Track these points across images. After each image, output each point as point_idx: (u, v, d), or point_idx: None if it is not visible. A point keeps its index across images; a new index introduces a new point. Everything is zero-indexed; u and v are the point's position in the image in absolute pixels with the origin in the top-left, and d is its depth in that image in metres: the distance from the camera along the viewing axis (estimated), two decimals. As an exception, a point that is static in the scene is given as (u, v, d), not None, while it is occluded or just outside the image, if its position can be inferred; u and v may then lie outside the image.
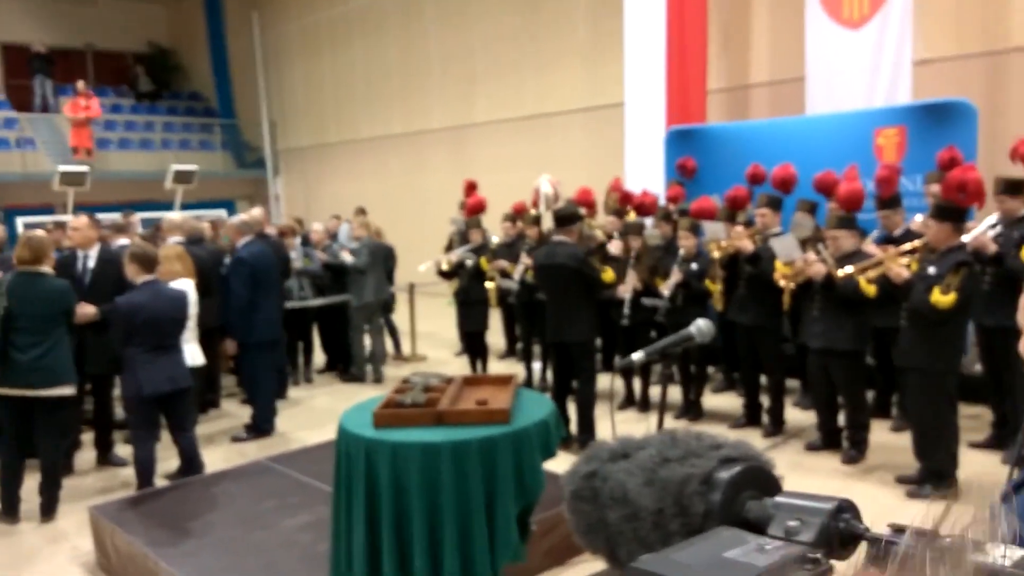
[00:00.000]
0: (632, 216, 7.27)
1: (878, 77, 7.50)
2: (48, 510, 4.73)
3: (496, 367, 7.95)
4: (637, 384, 6.60)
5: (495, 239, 7.76)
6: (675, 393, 6.38)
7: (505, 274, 7.13)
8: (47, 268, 4.71)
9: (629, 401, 6.62)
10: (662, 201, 7.63)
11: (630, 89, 9.34)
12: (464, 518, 2.83)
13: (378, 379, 7.78)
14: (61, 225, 7.59)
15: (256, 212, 7.21)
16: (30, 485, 4.79)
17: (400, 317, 8.97)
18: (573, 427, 5.63)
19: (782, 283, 5.33)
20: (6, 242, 6.97)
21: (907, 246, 5.00)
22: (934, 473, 4.56)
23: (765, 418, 5.90)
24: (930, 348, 4.43)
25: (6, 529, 4.63)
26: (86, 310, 5.10)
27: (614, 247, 6.15)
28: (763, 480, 0.75)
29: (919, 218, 5.44)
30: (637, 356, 2.15)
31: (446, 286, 8.11)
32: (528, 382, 7.18)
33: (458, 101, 13.52)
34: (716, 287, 6.00)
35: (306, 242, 8.16)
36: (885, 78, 7.46)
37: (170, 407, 4.82)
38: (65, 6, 17.76)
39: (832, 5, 7.78)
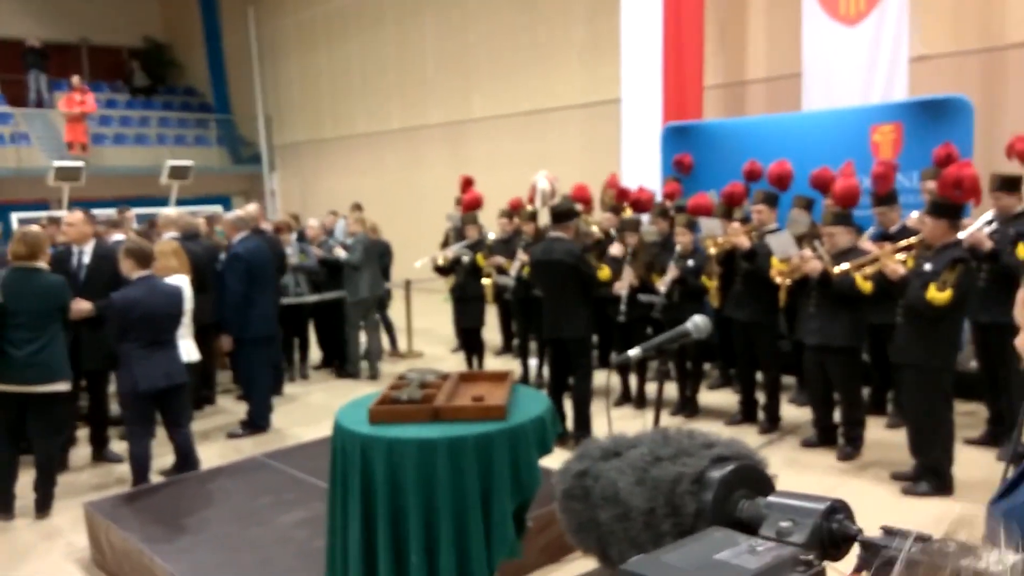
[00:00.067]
0: (629, 212, 7.26)
1: (875, 73, 7.50)
2: (43, 506, 4.72)
3: (492, 363, 7.94)
4: (633, 380, 6.60)
5: (492, 235, 7.75)
6: (671, 389, 6.38)
7: (501, 270, 7.12)
8: (43, 264, 4.69)
9: (625, 397, 6.62)
10: (659, 197, 7.63)
11: (627, 85, 9.33)
12: (460, 514, 2.83)
13: (374, 375, 7.78)
14: (56, 221, 7.57)
15: (252, 208, 7.19)
16: (25, 481, 4.78)
17: (396, 313, 8.96)
18: (569, 423, 5.64)
19: (778, 280, 5.34)
20: (0, 238, 6.95)
21: (903, 243, 5.01)
22: (929, 469, 4.57)
23: (761, 414, 5.90)
24: (926, 345, 4.44)
25: (1, 525, 4.62)
26: (81, 306, 5.09)
27: (615, 249, 6.14)
28: (756, 479, 0.74)
29: (915, 215, 5.45)
30: (633, 352, 2.15)
31: (442, 282, 8.11)
32: (524, 378, 7.18)
33: (455, 97, 13.50)
34: (712, 283, 6.01)
35: (302, 238, 8.15)
36: (882, 74, 7.46)
37: (166, 403, 4.81)
38: (60, 0, 17.68)
39: (829, 1, 7.78)
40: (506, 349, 8.70)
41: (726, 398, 6.63)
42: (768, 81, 9.38)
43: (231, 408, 6.99)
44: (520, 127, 12.41)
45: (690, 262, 5.99)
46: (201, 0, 18.03)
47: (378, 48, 14.80)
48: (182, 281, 5.29)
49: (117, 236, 6.62)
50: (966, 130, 6.23)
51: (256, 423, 6.26)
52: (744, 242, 5.62)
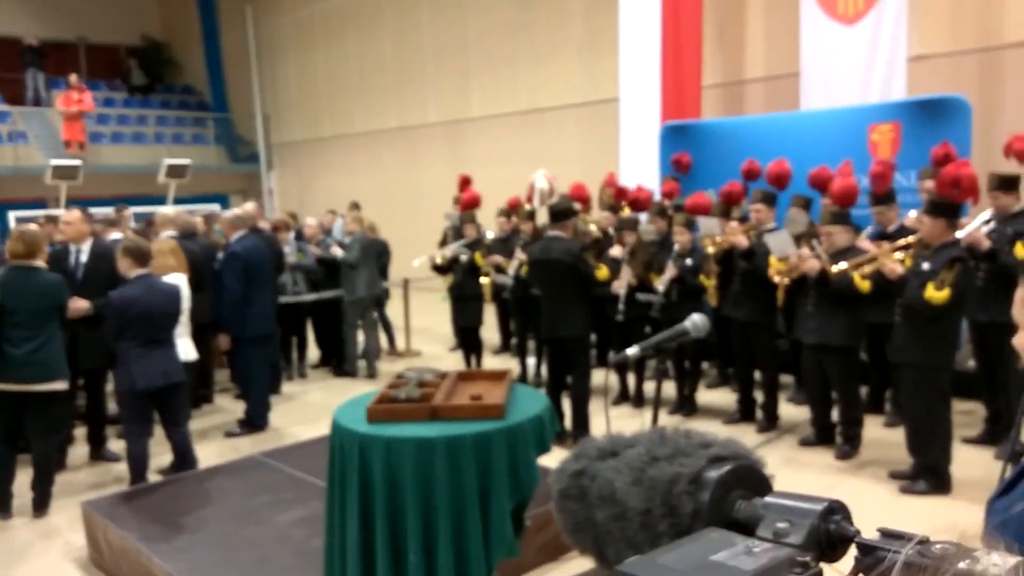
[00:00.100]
0: (627, 211, 7.26)
1: (873, 73, 7.50)
2: (41, 505, 4.71)
3: (491, 362, 7.94)
4: (632, 379, 6.60)
5: (490, 234, 7.75)
6: (669, 389, 6.38)
7: (500, 269, 7.12)
8: (41, 263, 4.69)
9: (624, 396, 6.63)
10: (657, 196, 7.63)
11: (625, 84, 9.32)
12: (458, 513, 2.83)
13: (372, 374, 7.77)
14: (53, 219, 7.56)
15: (249, 206, 7.18)
16: (22, 480, 4.77)
17: (394, 312, 8.96)
18: (568, 422, 5.64)
19: (776, 279, 5.34)
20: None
21: (901, 242, 5.01)
22: (927, 469, 4.57)
23: (759, 414, 5.91)
24: (924, 344, 4.44)
25: (-2, 524, 4.62)
26: (79, 305, 5.08)
27: (616, 251, 6.13)
28: (753, 479, 0.74)
29: (913, 214, 5.45)
30: (632, 351, 2.15)
31: (440, 281, 8.10)
32: (523, 377, 7.18)
33: (453, 96, 13.49)
34: (711, 283, 6.01)
35: (300, 237, 8.14)
36: (880, 74, 7.47)
37: (163, 402, 4.81)
38: (58, -1, 17.68)
39: (827, 1, 7.78)
40: (504, 348, 8.70)
41: (724, 397, 6.63)
42: (766, 80, 9.39)
43: (229, 407, 6.99)
44: (518, 126, 12.41)
45: (688, 261, 5.99)
46: (199, -1, 18.03)
47: (376, 46, 14.79)
48: (180, 280, 5.28)
49: (114, 235, 6.61)
50: (964, 129, 6.23)
51: (254, 422, 6.25)
52: (742, 241, 5.62)
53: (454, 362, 8.02)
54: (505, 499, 2.89)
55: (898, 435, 5.00)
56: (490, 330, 8.27)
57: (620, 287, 6.07)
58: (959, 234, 4.67)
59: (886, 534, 0.60)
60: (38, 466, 4.72)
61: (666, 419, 6.07)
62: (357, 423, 2.98)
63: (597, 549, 0.76)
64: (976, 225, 5.05)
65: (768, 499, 0.69)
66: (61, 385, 4.68)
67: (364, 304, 7.65)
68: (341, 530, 2.98)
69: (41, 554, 4.27)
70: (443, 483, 2.80)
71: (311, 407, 6.90)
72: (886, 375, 5.79)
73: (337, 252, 7.66)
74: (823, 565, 0.60)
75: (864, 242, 5.28)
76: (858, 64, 7.57)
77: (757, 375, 5.94)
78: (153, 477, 4.92)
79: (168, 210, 7.29)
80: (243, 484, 4.49)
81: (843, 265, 4.90)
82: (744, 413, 5.98)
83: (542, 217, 7.00)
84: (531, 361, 7.35)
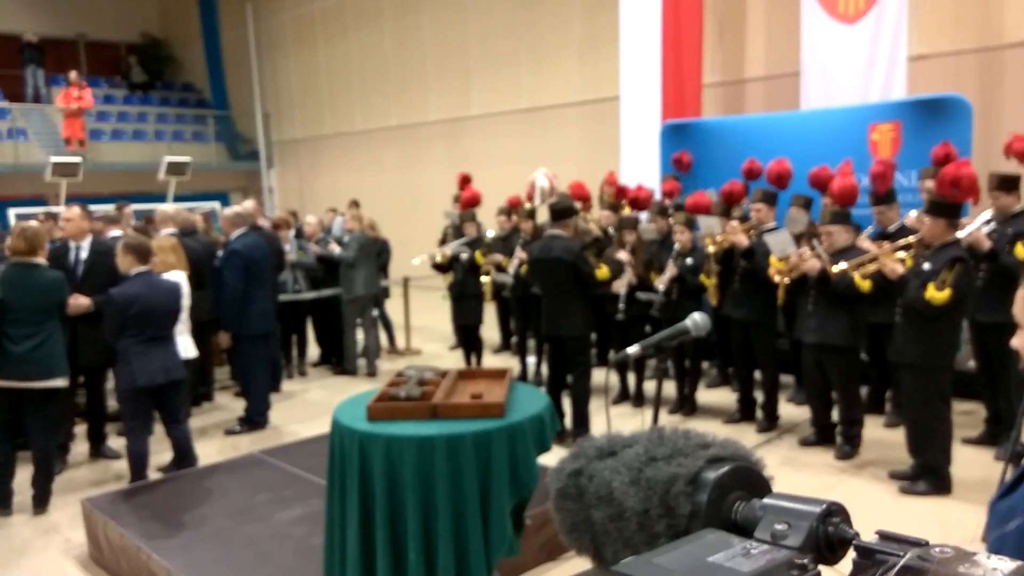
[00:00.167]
0: (627, 210, 7.26)
1: (873, 72, 7.50)
2: (41, 502, 4.71)
3: (491, 361, 7.95)
4: (632, 378, 6.60)
5: (490, 233, 7.74)
6: (669, 388, 6.38)
7: (500, 268, 7.12)
8: (42, 260, 4.69)
9: (624, 395, 6.63)
10: (657, 195, 7.63)
11: (626, 83, 9.32)
12: (458, 512, 2.83)
13: (372, 373, 7.78)
14: (53, 216, 7.55)
15: (249, 204, 7.18)
16: (22, 477, 4.77)
17: (394, 310, 8.96)
18: (568, 421, 5.64)
19: (776, 278, 5.33)
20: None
21: (902, 242, 5.01)
22: (927, 469, 4.57)
23: (759, 413, 5.91)
24: (924, 344, 4.44)
25: (-2, 521, 4.62)
26: (80, 302, 5.09)
27: (623, 256, 6.12)
28: (752, 480, 0.74)
29: (914, 214, 5.45)
30: (632, 350, 2.15)
31: (441, 280, 8.10)
32: (523, 376, 7.18)
33: (453, 94, 13.48)
34: (711, 282, 6.00)
35: (300, 235, 8.14)
36: (880, 73, 7.46)
37: (164, 399, 4.81)
38: (58, -5, 17.67)
39: (828, 0, 7.77)
40: (504, 347, 8.70)
41: (724, 397, 6.63)
42: (767, 79, 9.38)
43: (229, 405, 6.99)
44: (519, 124, 12.40)
45: (688, 260, 5.99)
46: (199, -4, 18.02)
47: (376, 45, 14.78)
48: (180, 277, 5.28)
49: (114, 232, 6.61)
50: (964, 129, 6.23)
51: (254, 420, 6.25)
52: (743, 240, 5.62)
53: (454, 361, 8.02)
54: (505, 498, 2.89)
55: (898, 435, 5.00)
56: (490, 329, 8.27)
57: (620, 286, 6.07)
58: (960, 234, 4.66)
59: (885, 537, 0.60)
60: (38, 463, 4.72)
61: (666, 418, 6.07)
62: (357, 421, 2.98)
63: (594, 549, 0.76)
64: (976, 225, 5.04)
65: (767, 500, 0.69)
66: (61, 382, 4.68)
67: (362, 302, 7.65)
68: (341, 528, 2.98)
69: (41, 551, 4.27)
70: (443, 481, 2.80)
71: (311, 405, 6.91)
72: (886, 375, 5.79)
73: (335, 250, 7.66)
74: (821, 567, 0.60)
75: (864, 242, 5.27)
76: (859, 63, 7.56)
77: (757, 375, 5.93)
78: (153, 474, 4.93)
79: (168, 207, 7.29)
80: (243, 482, 4.49)
81: (843, 265, 4.90)
82: (744, 413, 5.98)
83: (542, 216, 7.00)
84: (531, 360, 7.35)
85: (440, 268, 7.62)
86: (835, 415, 5.34)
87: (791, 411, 6.12)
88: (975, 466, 4.83)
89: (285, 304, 7.37)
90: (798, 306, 5.35)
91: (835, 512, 0.66)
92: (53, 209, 9.23)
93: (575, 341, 5.56)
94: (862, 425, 5.25)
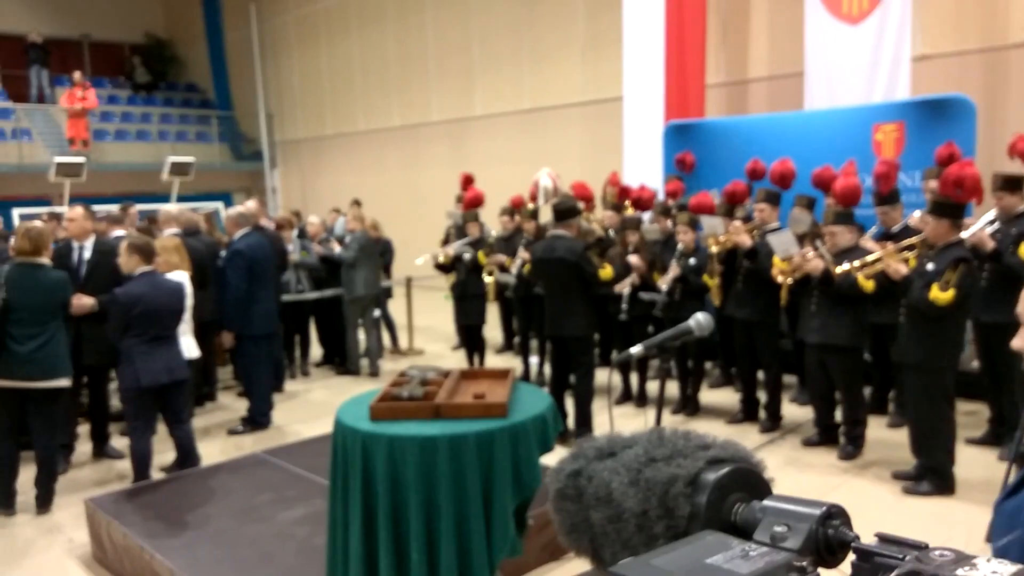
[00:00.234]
0: (630, 210, 7.26)
1: (877, 72, 7.48)
2: (44, 502, 4.72)
3: (493, 361, 7.95)
4: (635, 379, 6.60)
5: (493, 233, 7.74)
6: (672, 388, 6.38)
7: (503, 268, 7.12)
8: (46, 260, 4.70)
9: (627, 396, 6.62)
10: (660, 196, 7.62)
11: (629, 83, 9.31)
12: (461, 512, 2.83)
13: (374, 373, 7.78)
14: (57, 216, 7.57)
15: (252, 204, 7.19)
16: (25, 477, 4.78)
17: (397, 311, 8.96)
18: (571, 422, 5.64)
19: (780, 279, 5.33)
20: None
21: (905, 242, 5.00)
22: (931, 469, 4.56)
23: (762, 414, 5.90)
24: (928, 344, 4.43)
25: (2, 521, 4.63)
26: (84, 301, 5.10)
27: (633, 259, 6.10)
28: (752, 482, 0.73)
29: (917, 214, 5.44)
30: (635, 350, 2.15)
31: (443, 280, 8.11)
32: (526, 376, 7.18)
33: (456, 94, 13.48)
34: (714, 282, 6.00)
35: (303, 235, 8.15)
36: (884, 74, 7.45)
37: (167, 399, 4.82)
38: (62, -4, 17.71)
39: (831, 0, 7.76)
40: (507, 347, 8.70)
41: (727, 397, 6.62)
42: (770, 80, 9.37)
43: (232, 405, 7.00)
44: (521, 124, 12.40)
45: (691, 260, 5.99)
46: (203, -4, 18.04)
47: (379, 45, 14.79)
48: (183, 277, 5.29)
49: (117, 232, 6.62)
50: (968, 129, 6.21)
51: (257, 420, 6.26)
52: (746, 241, 5.61)
53: (457, 361, 8.02)
54: (508, 498, 2.89)
55: (902, 436, 4.99)
56: (493, 329, 8.27)
57: (623, 286, 6.07)
58: (963, 235, 4.65)
59: (884, 539, 0.59)
60: (41, 463, 4.73)
61: (669, 419, 6.07)
62: (360, 421, 2.98)
63: (593, 550, 0.76)
64: (980, 225, 5.03)
65: (766, 502, 0.69)
66: (64, 382, 4.69)
67: (363, 303, 7.65)
68: (344, 528, 2.98)
69: (44, 551, 4.28)
70: (446, 482, 2.80)
71: (314, 405, 6.91)
72: (890, 375, 5.78)
73: (337, 250, 7.66)
74: (821, 570, 0.60)
75: (868, 242, 5.27)
76: (862, 64, 7.55)
77: (760, 375, 5.93)
78: (156, 474, 4.93)
79: (171, 208, 7.30)
80: (246, 482, 4.49)
81: (846, 265, 4.89)
82: (747, 413, 5.97)
83: (546, 216, 6.99)
84: (534, 360, 7.35)
85: (443, 268, 7.62)
86: (838, 415, 5.33)
87: (794, 411, 6.11)
88: (979, 466, 4.82)
89: (288, 304, 7.37)
90: (801, 306, 5.34)
91: (835, 514, 0.65)
92: (57, 209, 9.25)
93: (578, 341, 5.55)
94: (865, 425, 5.25)
